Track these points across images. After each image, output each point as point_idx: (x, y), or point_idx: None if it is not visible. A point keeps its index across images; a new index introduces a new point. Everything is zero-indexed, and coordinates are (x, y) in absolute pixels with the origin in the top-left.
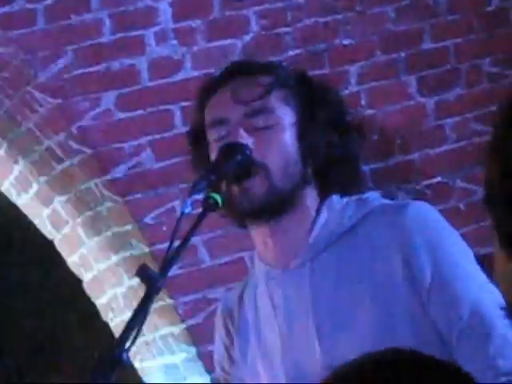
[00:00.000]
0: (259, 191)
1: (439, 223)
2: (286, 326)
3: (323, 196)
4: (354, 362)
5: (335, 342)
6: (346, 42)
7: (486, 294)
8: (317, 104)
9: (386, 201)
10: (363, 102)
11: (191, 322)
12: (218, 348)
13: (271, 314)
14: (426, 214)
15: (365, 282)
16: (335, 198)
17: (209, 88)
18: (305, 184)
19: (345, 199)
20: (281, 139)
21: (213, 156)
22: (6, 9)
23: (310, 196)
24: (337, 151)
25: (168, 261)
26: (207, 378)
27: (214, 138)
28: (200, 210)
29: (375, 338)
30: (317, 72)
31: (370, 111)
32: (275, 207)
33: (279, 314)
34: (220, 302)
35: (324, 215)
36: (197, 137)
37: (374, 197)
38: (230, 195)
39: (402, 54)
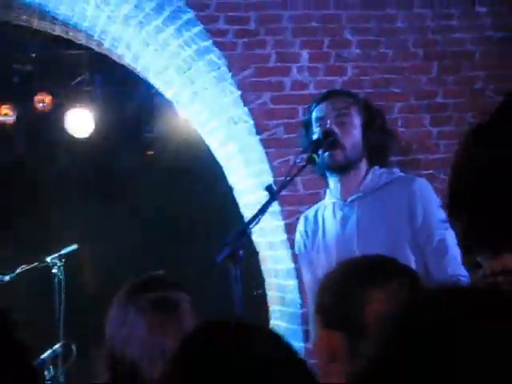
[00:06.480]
0: (339, 158)
1: (429, 190)
2: (341, 231)
3: (369, 166)
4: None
5: (367, 242)
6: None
7: (448, 232)
8: (372, 117)
9: (403, 174)
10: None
11: (288, 221)
12: (297, 237)
13: (333, 224)
14: (424, 185)
15: (386, 214)
16: (376, 168)
17: (317, 100)
18: (362, 157)
19: (382, 169)
20: (353, 132)
21: (314, 136)
22: None
23: (363, 164)
24: (378, 142)
25: (282, 186)
26: None
27: (317, 127)
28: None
29: (388, 242)
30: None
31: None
32: (346, 167)
33: (338, 224)
34: (303, 214)
35: (369, 176)
36: (307, 125)
37: (397, 170)
38: (323, 158)
39: None
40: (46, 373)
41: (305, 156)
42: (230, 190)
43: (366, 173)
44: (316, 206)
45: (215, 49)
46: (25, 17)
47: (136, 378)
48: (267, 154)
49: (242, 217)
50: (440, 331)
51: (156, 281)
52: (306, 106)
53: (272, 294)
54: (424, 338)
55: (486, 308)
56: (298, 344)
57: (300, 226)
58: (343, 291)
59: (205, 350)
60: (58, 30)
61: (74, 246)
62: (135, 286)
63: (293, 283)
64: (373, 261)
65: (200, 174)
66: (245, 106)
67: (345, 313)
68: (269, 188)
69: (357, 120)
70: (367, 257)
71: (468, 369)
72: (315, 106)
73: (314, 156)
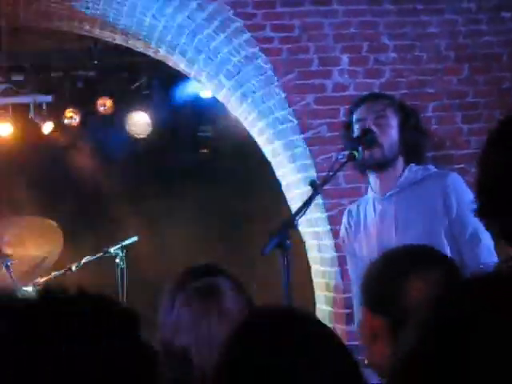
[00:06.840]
0: (377, 156)
1: (462, 184)
2: (380, 224)
3: (406, 163)
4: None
5: (404, 234)
6: None
7: (479, 224)
8: (407, 117)
9: (437, 169)
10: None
11: (331, 213)
12: (342, 230)
13: (373, 217)
14: (456, 179)
15: (422, 207)
16: (412, 165)
17: (357, 102)
18: (398, 155)
19: (417, 166)
20: (390, 132)
21: (354, 135)
22: None
23: (400, 162)
24: (413, 140)
25: (325, 181)
26: None
27: (357, 127)
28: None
29: (424, 233)
30: None
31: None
32: (383, 165)
33: (377, 217)
34: (347, 208)
35: (406, 172)
36: (348, 125)
37: (431, 167)
38: (363, 155)
39: None
40: None
41: (346, 153)
42: (278, 185)
43: (403, 170)
44: (358, 201)
45: (262, 55)
46: (88, 27)
47: (187, 364)
48: (311, 151)
49: (289, 209)
50: (463, 327)
51: (200, 268)
52: (347, 107)
53: (317, 280)
54: (448, 335)
55: (507, 300)
56: (341, 326)
57: (344, 219)
58: (385, 282)
59: (236, 350)
60: (118, 39)
61: (135, 238)
62: (182, 274)
63: (336, 270)
64: (412, 251)
65: (251, 170)
66: (290, 107)
67: (386, 302)
68: (312, 183)
69: (393, 121)
70: (407, 246)
71: (486, 366)
72: (355, 108)
73: (355, 153)
